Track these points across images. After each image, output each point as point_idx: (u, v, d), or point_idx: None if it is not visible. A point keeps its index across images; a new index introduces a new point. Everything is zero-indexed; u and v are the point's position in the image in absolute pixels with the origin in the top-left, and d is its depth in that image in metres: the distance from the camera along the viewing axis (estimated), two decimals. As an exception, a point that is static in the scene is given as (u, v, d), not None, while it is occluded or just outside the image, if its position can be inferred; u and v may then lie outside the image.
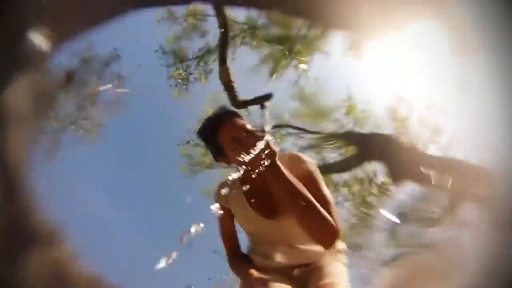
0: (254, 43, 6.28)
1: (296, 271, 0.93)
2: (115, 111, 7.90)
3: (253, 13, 5.92)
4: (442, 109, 5.03)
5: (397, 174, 5.00)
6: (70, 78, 4.32)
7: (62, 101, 6.93)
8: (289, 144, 7.51)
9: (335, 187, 5.67)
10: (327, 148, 6.56)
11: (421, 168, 4.00)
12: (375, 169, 5.81)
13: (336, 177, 5.91)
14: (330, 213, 0.77)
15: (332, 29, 6.49)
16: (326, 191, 0.86)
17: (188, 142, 6.54)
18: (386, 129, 5.80)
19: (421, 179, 4.14)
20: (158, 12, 5.95)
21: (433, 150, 4.96)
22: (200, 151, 6.59)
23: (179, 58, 5.78)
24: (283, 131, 7.35)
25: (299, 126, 7.28)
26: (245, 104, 2.34)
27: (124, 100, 8.19)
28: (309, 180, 0.84)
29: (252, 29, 6.01)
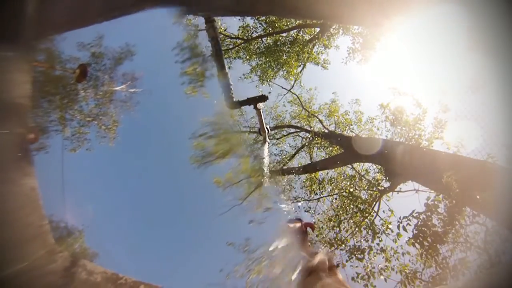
0: (247, 56, 6.61)
1: None
2: (129, 109, 7.79)
3: (246, 22, 6.30)
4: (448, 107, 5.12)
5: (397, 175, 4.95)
6: (83, 70, 4.40)
7: (82, 95, 6.81)
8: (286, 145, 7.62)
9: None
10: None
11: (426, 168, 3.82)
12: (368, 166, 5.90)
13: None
14: None
15: (331, 27, 6.80)
16: None
17: (201, 135, 6.38)
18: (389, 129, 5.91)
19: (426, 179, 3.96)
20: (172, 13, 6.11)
21: (438, 147, 5.01)
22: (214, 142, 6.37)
23: (195, 54, 5.67)
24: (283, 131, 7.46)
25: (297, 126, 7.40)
26: (240, 104, 2.51)
27: (138, 98, 8.04)
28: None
29: (245, 43, 6.38)
